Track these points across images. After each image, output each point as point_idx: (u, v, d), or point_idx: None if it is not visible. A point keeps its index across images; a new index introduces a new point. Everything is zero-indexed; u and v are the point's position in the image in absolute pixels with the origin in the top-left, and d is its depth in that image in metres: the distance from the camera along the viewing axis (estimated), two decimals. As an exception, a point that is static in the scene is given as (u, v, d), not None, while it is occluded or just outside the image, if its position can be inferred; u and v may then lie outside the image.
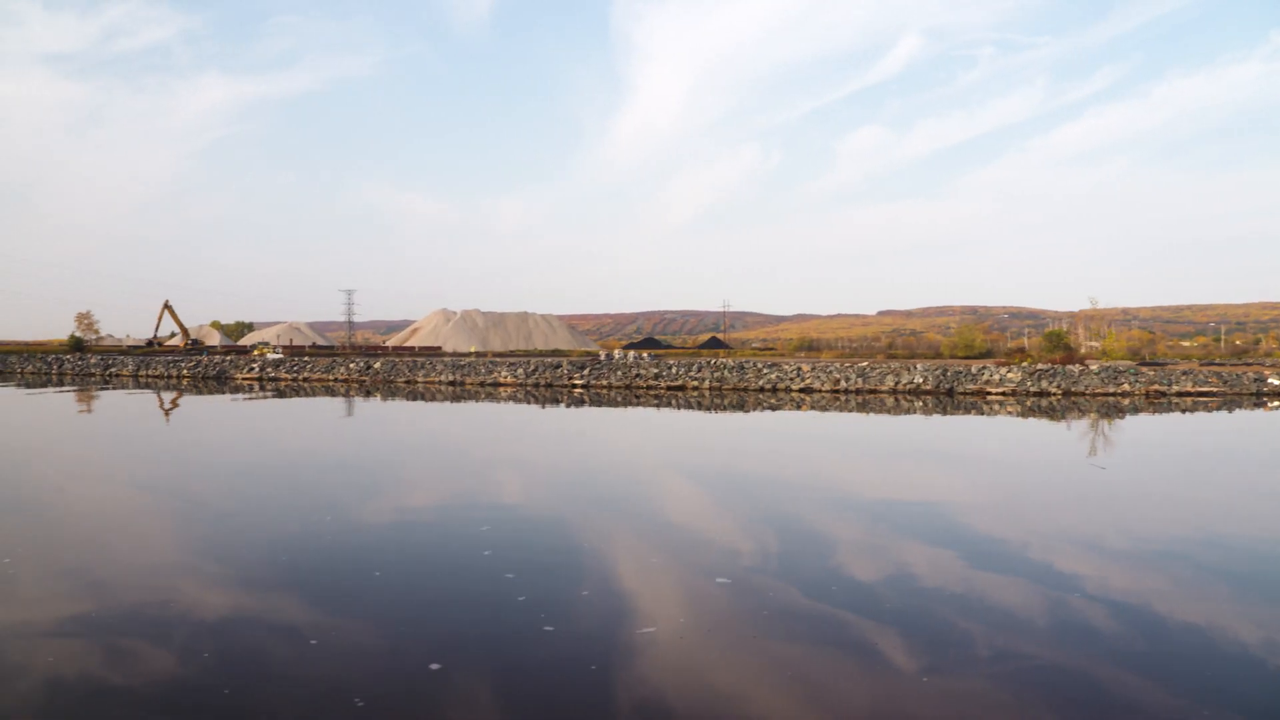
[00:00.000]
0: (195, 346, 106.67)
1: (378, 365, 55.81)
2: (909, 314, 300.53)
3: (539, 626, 7.98)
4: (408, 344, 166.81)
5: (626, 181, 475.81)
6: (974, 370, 47.04)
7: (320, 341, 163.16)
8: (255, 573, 9.88)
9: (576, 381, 49.46)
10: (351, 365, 56.19)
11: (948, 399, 40.79)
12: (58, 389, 46.34)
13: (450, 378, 52.23)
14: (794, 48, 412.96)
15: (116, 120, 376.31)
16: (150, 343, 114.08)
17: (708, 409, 35.41)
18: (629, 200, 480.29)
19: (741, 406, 36.39)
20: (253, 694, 6.55)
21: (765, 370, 48.76)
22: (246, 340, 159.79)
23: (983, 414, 33.59)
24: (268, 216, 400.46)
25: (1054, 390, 43.38)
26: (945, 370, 47.04)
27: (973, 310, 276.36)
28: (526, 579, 9.57)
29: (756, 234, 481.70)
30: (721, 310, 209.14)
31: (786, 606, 8.75)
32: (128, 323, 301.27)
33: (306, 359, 62.08)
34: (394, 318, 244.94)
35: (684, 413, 33.84)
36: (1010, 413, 34.30)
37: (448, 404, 37.70)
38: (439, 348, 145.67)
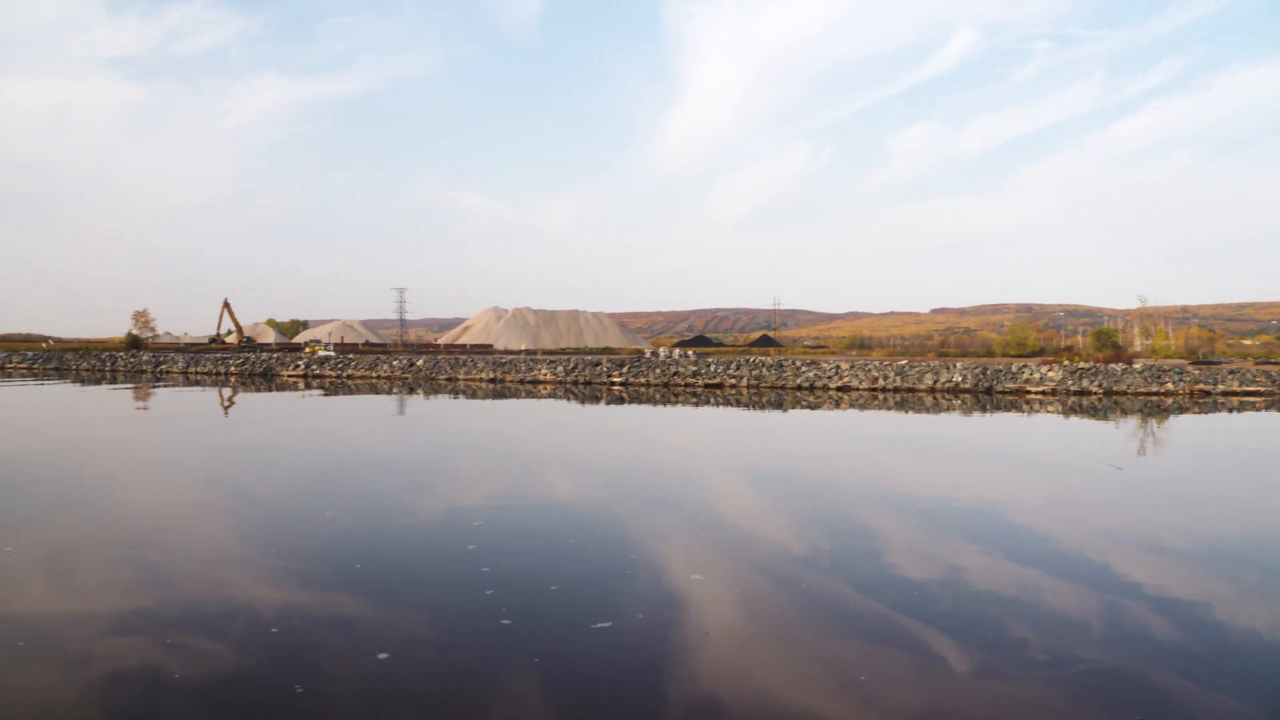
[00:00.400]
0: (249, 344, 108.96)
1: (420, 363, 56.59)
2: (962, 312, 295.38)
3: (497, 620, 8.12)
4: (459, 342, 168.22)
5: (678, 180, 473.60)
6: (1014, 369, 46.23)
7: (373, 339, 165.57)
8: (239, 562, 10.18)
9: (615, 379, 49.66)
10: (395, 363, 57.06)
11: (986, 398, 40.21)
12: (111, 385, 47.78)
13: (490, 375, 52.76)
14: (846, 45, 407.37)
15: (176, 122, 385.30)
16: (214, 339, 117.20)
17: (746, 406, 35.34)
18: (681, 198, 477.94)
19: (780, 405, 36.24)
20: (190, 681, 6.78)
21: (803, 368, 48.49)
22: (300, 338, 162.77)
23: (1022, 413, 33.06)
24: (323, 215, 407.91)
25: (1095, 389, 42.49)
26: (985, 369, 46.32)
27: (1028, 308, 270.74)
28: (501, 574, 9.70)
29: (809, 232, 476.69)
30: (778, 308, 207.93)
31: (760, 603, 8.77)
32: (186, 321, 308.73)
33: (351, 356, 63.07)
34: (447, 315, 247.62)
35: (720, 410, 33.80)
36: (1051, 411, 33.75)
37: (486, 401, 38.09)
38: (490, 345, 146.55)
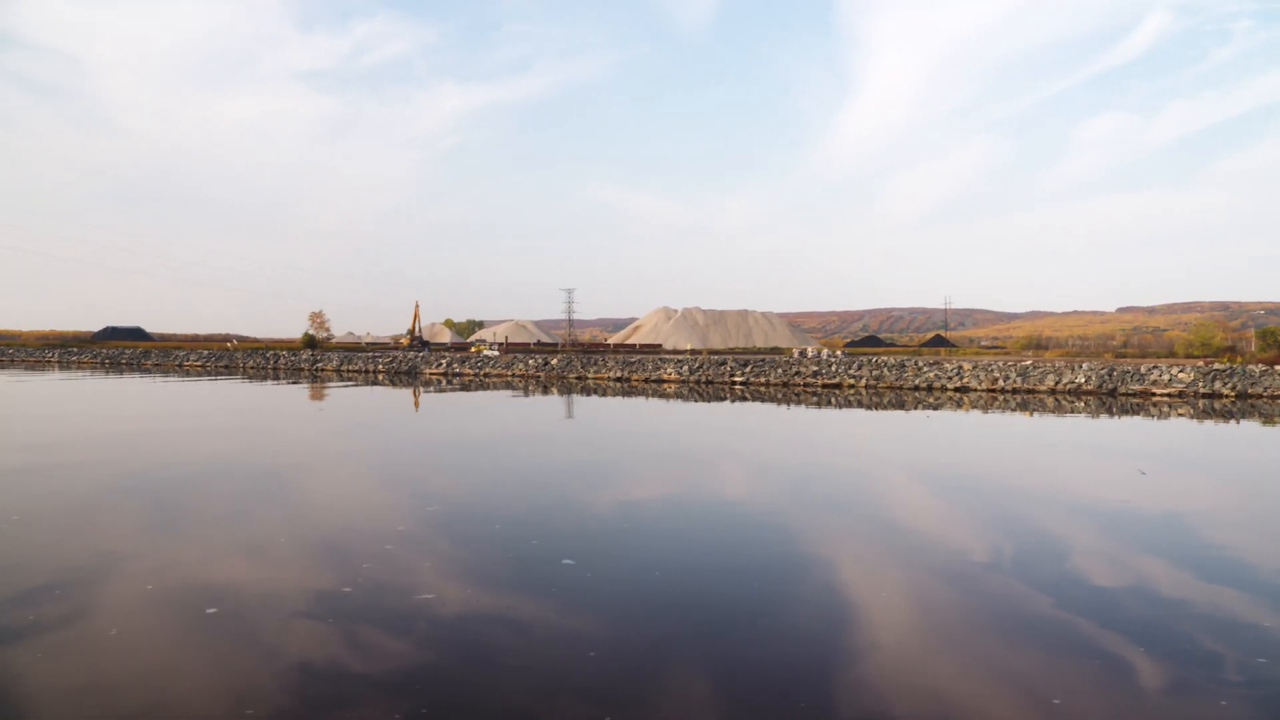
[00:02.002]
0: (416, 344, 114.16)
1: (554, 361, 58.79)
2: (1151, 310, 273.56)
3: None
4: (629, 341, 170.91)
5: (853, 176, 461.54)
6: (1142, 370, 43.52)
7: (544, 339, 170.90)
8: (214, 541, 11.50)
9: (737, 379, 49.97)
10: (530, 361, 59.54)
11: (1110, 399, 38.05)
12: (274, 382, 52.16)
13: (618, 374, 54.12)
14: (1029, 33, 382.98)
15: (363, 131, 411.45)
16: (418, 340, 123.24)
17: (865, 407, 34.83)
18: (855, 195, 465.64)
19: (900, 405, 35.54)
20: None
21: (924, 369, 47.29)
22: (473, 338, 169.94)
23: (1151, 416, 31.08)
24: (501, 217, 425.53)
25: (1226, 392, 39.58)
26: (1111, 370, 43.72)
27: (1224, 306, 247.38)
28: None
29: (989, 228, 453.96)
30: (950, 308, 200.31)
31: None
32: (371, 322, 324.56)
33: (490, 356, 66.04)
34: (621, 315, 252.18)
35: (841, 411, 33.25)
36: (1181, 414, 31.62)
37: (610, 399, 39.16)
38: (659, 345, 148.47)
